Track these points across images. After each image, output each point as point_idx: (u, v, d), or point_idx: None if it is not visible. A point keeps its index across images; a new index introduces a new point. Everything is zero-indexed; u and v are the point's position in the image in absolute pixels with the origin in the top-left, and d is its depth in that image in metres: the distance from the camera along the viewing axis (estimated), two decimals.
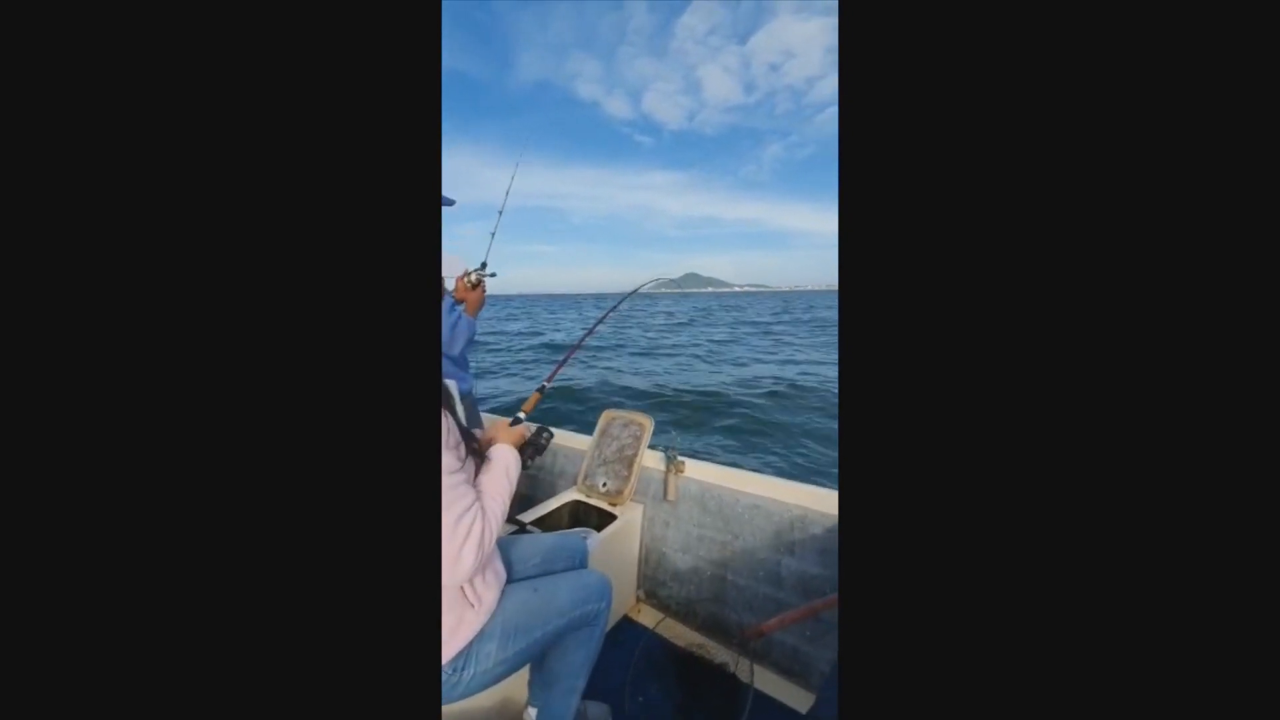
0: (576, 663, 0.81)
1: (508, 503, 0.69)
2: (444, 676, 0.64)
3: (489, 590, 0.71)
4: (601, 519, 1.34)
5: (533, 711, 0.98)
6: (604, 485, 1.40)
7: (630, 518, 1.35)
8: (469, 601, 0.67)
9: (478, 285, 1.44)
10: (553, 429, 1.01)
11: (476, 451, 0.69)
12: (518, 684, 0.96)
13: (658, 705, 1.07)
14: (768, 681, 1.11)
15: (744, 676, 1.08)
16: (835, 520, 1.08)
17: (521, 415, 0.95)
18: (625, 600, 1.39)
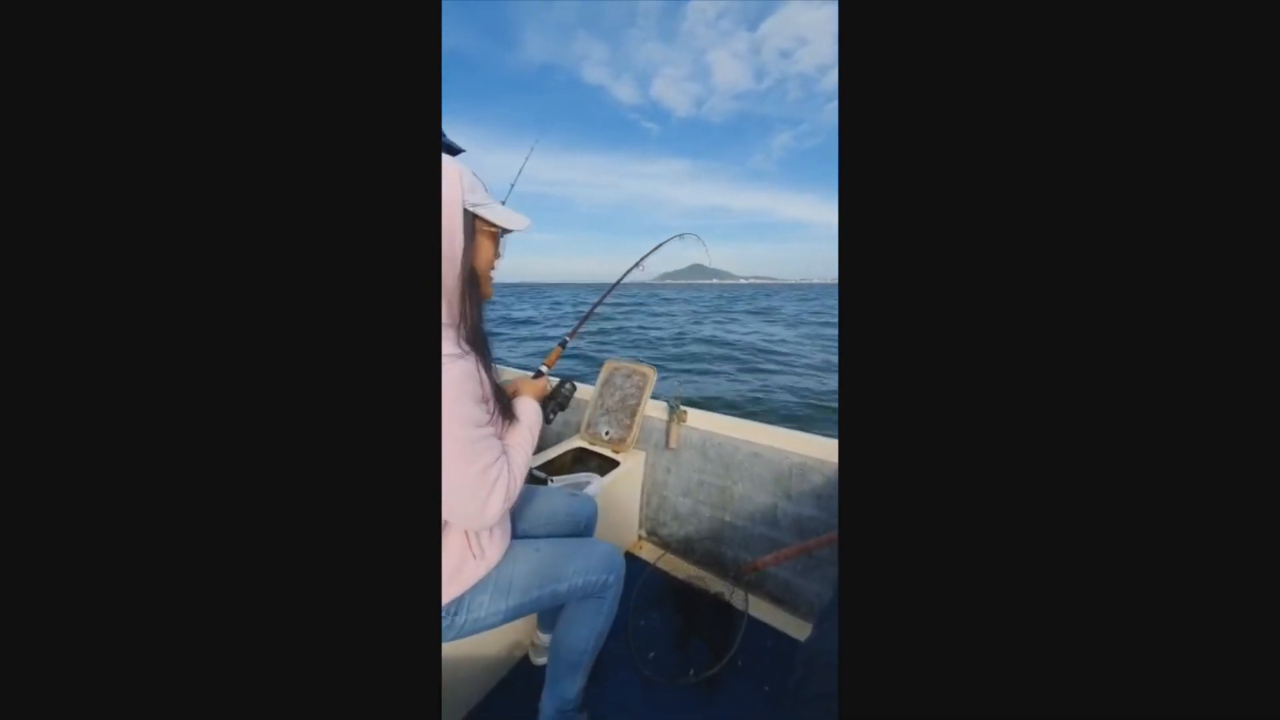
0: (582, 639, 0.79)
1: (530, 456, 0.70)
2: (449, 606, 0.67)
3: (493, 545, 0.72)
4: (604, 465, 1.39)
5: (544, 637, 1.05)
6: (606, 433, 1.44)
7: (633, 464, 1.40)
8: (472, 552, 0.68)
9: None
10: (575, 381, 1.00)
11: (505, 407, 0.69)
12: (527, 626, 1.04)
13: (659, 629, 1.17)
14: (760, 609, 1.21)
15: (739, 605, 1.18)
16: (833, 468, 1.13)
17: (544, 369, 0.94)
18: (628, 538, 1.47)
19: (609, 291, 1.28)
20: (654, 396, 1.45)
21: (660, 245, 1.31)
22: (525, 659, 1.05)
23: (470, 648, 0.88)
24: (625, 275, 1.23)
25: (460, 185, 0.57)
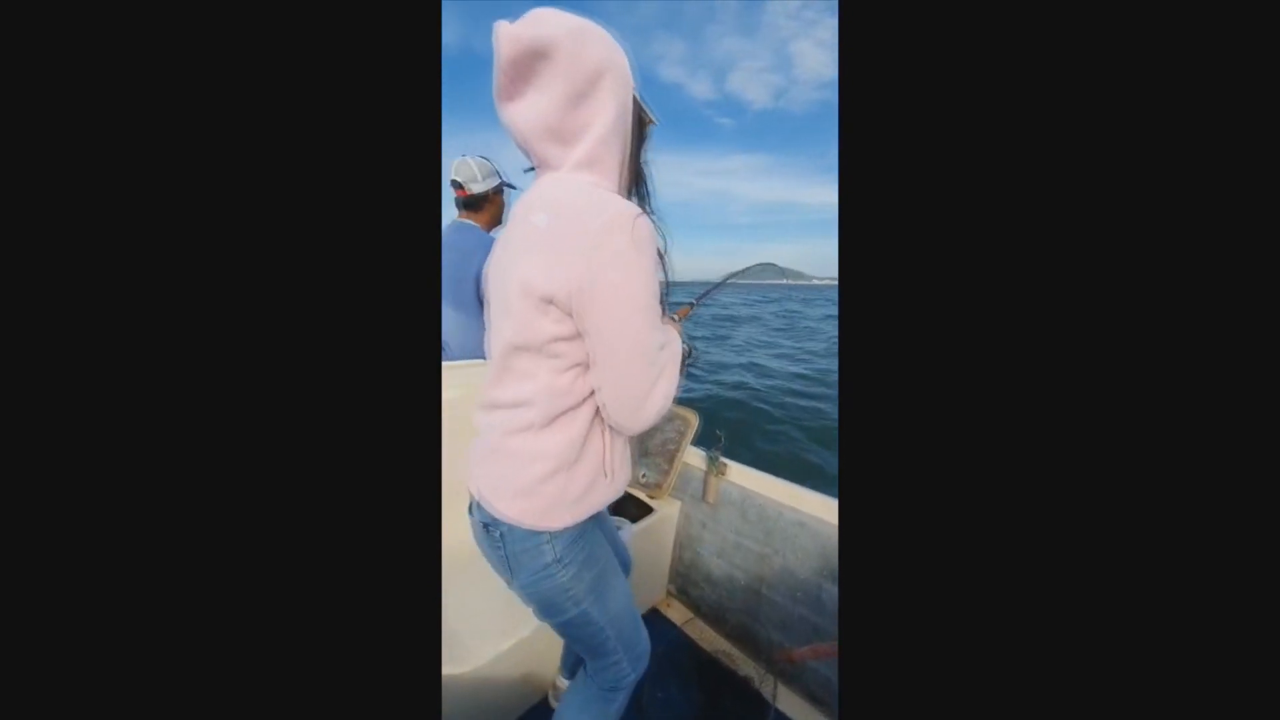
0: None
1: (677, 381, 0.59)
2: (541, 544, 0.57)
3: (623, 468, 0.61)
4: (639, 510, 1.34)
5: (565, 682, 0.98)
6: (644, 476, 1.39)
7: (667, 513, 1.34)
8: (604, 470, 0.58)
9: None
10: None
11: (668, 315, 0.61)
12: (546, 660, 1.00)
13: (677, 704, 1.06)
14: (793, 705, 1.05)
15: (768, 694, 1.04)
16: None
17: (676, 317, 0.81)
18: (656, 592, 1.39)
19: (711, 290, 1.06)
20: (695, 443, 1.39)
21: (746, 270, 1.18)
22: (544, 701, 1.00)
23: (487, 680, 0.85)
24: (713, 289, 1.05)
25: (629, 72, 0.53)
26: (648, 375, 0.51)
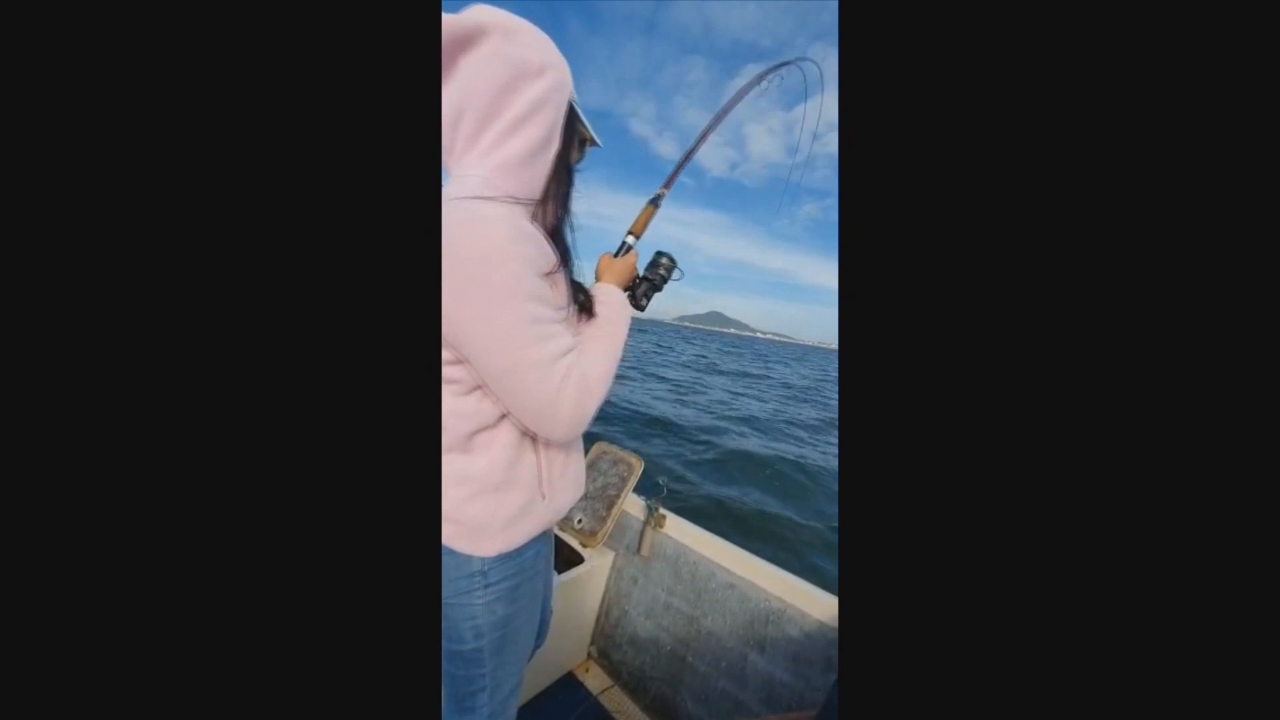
0: None
1: (614, 357, 0.55)
2: (472, 570, 0.52)
3: (564, 490, 0.56)
4: (569, 558, 1.26)
5: None
6: (579, 522, 1.32)
7: (599, 564, 1.26)
8: (541, 491, 0.53)
9: None
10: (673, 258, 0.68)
11: (585, 304, 0.56)
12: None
13: None
14: None
15: None
16: (815, 623, 0.95)
17: (630, 240, 0.67)
18: (575, 655, 1.27)
19: (709, 129, 0.81)
20: (636, 491, 1.34)
21: (774, 69, 0.82)
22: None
23: None
24: (732, 105, 0.80)
25: (569, 80, 0.51)
26: (545, 390, 0.46)
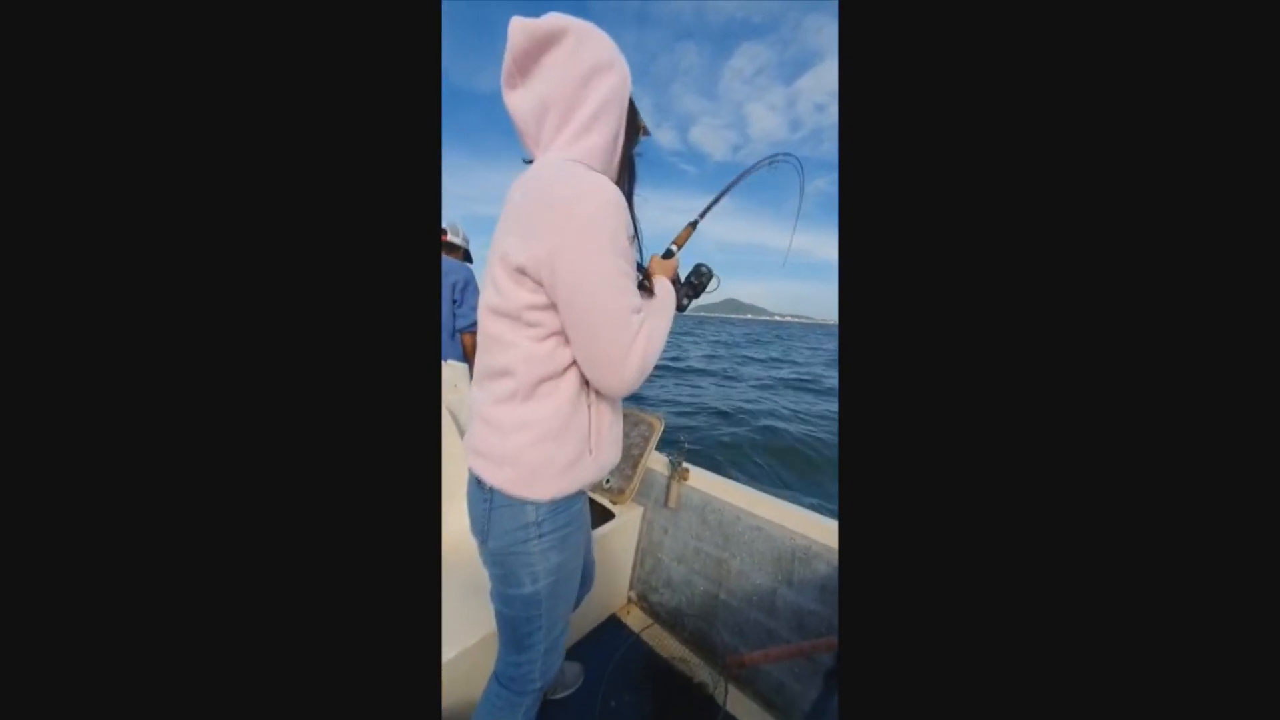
0: None
1: (666, 331, 0.61)
2: (526, 521, 0.57)
3: (608, 447, 0.61)
4: (601, 516, 1.33)
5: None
6: (607, 482, 1.39)
7: (629, 518, 1.33)
8: (589, 445, 0.58)
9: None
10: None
11: (641, 283, 0.63)
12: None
13: (629, 714, 1.05)
14: (747, 710, 1.05)
15: (720, 698, 1.04)
16: (838, 557, 1.00)
17: (674, 248, 0.79)
18: (617, 599, 1.37)
19: (727, 190, 0.94)
20: (659, 448, 1.39)
21: (755, 167, 0.96)
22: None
23: (474, 664, 0.87)
24: (729, 189, 0.91)
25: (629, 75, 0.56)
26: (621, 339, 0.50)
